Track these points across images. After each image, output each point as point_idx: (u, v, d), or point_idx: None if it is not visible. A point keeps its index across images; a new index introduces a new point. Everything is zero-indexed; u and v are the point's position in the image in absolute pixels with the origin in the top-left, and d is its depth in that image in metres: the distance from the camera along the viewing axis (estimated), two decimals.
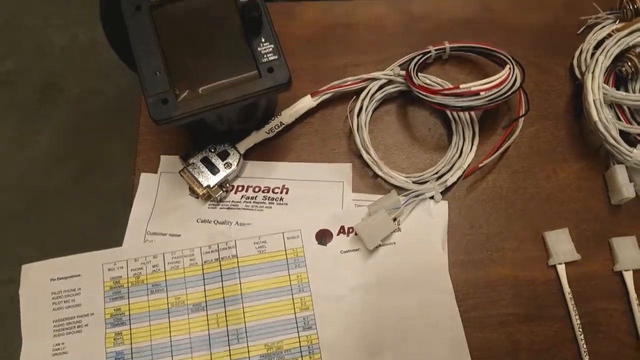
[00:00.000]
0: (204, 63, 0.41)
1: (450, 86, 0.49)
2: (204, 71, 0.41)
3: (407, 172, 0.49)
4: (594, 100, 0.47)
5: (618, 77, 0.50)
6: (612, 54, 0.49)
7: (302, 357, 0.42)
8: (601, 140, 0.47)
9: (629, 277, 0.45)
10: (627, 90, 0.50)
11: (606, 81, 0.49)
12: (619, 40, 0.49)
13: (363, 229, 0.44)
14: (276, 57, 0.42)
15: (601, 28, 0.53)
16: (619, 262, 0.46)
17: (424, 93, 0.48)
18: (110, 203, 1.07)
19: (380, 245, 0.45)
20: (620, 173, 0.47)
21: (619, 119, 0.48)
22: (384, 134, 0.51)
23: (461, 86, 0.47)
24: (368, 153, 0.49)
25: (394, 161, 0.50)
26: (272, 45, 0.42)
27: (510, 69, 0.48)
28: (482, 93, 0.46)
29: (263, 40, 0.42)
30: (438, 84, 0.51)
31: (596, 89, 0.47)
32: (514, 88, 0.47)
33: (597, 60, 0.49)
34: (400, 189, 0.48)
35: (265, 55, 0.41)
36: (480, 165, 0.48)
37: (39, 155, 1.15)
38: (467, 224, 0.48)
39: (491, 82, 0.46)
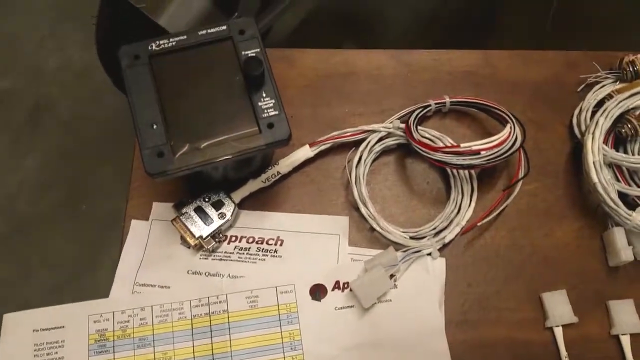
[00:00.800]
0: (202, 116, 0.41)
1: (450, 142, 0.49)
2: (203, 125, 0.40)
3: (405, 226, 0.49)
4: (593, 161, 0.47)
5: (617, 137, 0.50)
6: (613, 115, 0.49)
7: None
8: (600, 202, 0.47)
9: (625, 341, 0.45)
10: (625, 151, 0.50)
11: (605, 141, 0.49)
12: (619, 102, 0.49)
13: (359, 287, 0.43)
14: (277, 112, 0.41)
15: (601, 87, 0.54)
16: (615, 326, 0.45)
17: (424, 150, 0.47)
18: (97, 233, 1.05)
19: (375, 303, 0.44)
20: (618, 236, 0.47)
21: (618, 180, 0.48)
22: (382, 186, 0.51)
23: (462, 145, 0.46)
24: (366, 206, 0.48)
25: (391, 214, 0.50)
26: (273, 101, 0.41)
27: (511, 128, 0.48)
28: (482, 152, 0.46)
29: (264, 95, 0.41)
30: (437, 138, 0.51)
31: (596, 150, 0.47)
32: (514, 148, 0.47)
33: (597, 122, 0.49)
34: (397, 244, 0.47)
35: (265, 111, 0.41)
36: (479, 223, 0.47)
37: (26, 178, 1.13)
38: (464, 282, 0.47)
39: (492, 141, 0.46)
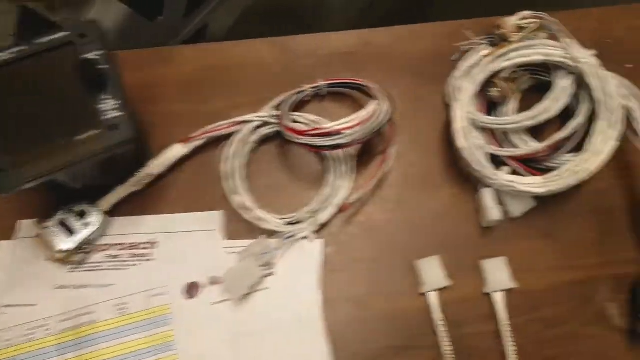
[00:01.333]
0: (43, 125, 0.40)
1: (318, 126, 0.49)
2: (43, 134, 0.40)
3: (284, 212, 0.48)
4: (461, 127, 0.47)
5: (492, 102, 0.50)
6: (477, 80, 0.49)
7: None
8: (467, 165, 0.47)
9: (497, 298, 0.45)
10: (499, 115, 0.50)
11: (481, 107, 0.49)
12: (483, 66, 0.49)
13: (228, 279, 0.43)
14: (121, 113, 0.40)
15: (473, 55, 0.54)
16: (487, 285, 0.46)
17: (290, 134, 0.47)
18: None
19: (252, 293, 0.44)
20: (486, 196, 0.47)
21: (490, 143, 0.49)
22: (262, 175, 0.50)
23: (324, 126, 0.46)
24: (237, 198, 0.47)
25: (270, 203, 0.49)
26: (118, 102, 0.41)
27: (378, 104, 0.47)
28: (346, 131, 0.46)
29: (107, 96, 0.41)
30: (314, 122, 0.51)
31: (460, 116, 0.48)
32: (380, 122, 0.47)
33: (462, 88, 0.49)
34: (274, 232, 0.47)
35: (108, 112, 0.40)
36: (352, 200, 0.47)
37: None
38: (345, 260, 0.47)
39: (353, 120, 0.46)
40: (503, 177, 0.46)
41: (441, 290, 0.45)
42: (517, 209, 0.48)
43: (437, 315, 0.44)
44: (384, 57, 0.56)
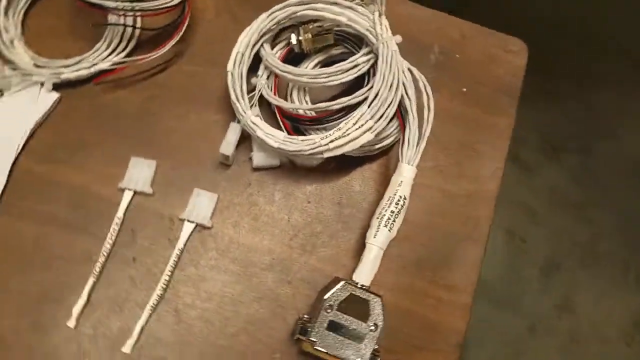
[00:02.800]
0: None
1: None
2: None
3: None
4: (237, 52, 0.45)
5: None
6: (276, 16, 0.45)
7: None
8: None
9: (187, 228, 0.43)
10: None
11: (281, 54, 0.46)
12: (287, 7, 0.45)
13: None
14: None
15: None
16: (186, 212, 0.44)
17: None
18: None
19: None
20: (231, 130, 0.45)
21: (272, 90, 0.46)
22: None
23: None
24: None
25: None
26: None
27: None
28: None
29: None
30: None
31: (242, 41, 0.45)
32: None
33: (259, 17, 0.45)
34: None
35: None
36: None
37: None
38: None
39: None
40: (251, 117, 0.43)
41: (138, 194, 0.44)
42: (259, 159, 0.45)
43: (120, 213, 0.43)
44: None
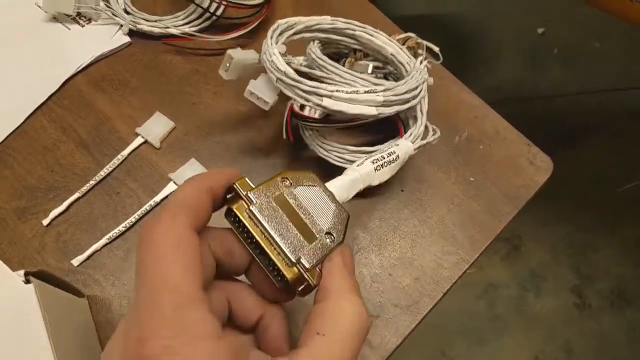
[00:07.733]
0: None
1: None
2: None
3: None
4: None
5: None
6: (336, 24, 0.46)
7: None
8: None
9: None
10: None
11: None
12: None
13: None
14: None
15: None
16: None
17: None
18: None
19: None
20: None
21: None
22: None
23: None
24: None
25: None
26: None
27: None
28: None
29: None
30: None
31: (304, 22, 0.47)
32: None
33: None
34: None
35: None
36: None
37: None
38: None
39: None
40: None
41: (147, 144, 0.50)
42: (255, 85, 0.44)
43: (125, 152, 0.49)
44: None
